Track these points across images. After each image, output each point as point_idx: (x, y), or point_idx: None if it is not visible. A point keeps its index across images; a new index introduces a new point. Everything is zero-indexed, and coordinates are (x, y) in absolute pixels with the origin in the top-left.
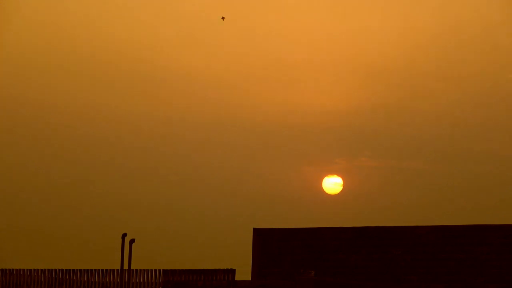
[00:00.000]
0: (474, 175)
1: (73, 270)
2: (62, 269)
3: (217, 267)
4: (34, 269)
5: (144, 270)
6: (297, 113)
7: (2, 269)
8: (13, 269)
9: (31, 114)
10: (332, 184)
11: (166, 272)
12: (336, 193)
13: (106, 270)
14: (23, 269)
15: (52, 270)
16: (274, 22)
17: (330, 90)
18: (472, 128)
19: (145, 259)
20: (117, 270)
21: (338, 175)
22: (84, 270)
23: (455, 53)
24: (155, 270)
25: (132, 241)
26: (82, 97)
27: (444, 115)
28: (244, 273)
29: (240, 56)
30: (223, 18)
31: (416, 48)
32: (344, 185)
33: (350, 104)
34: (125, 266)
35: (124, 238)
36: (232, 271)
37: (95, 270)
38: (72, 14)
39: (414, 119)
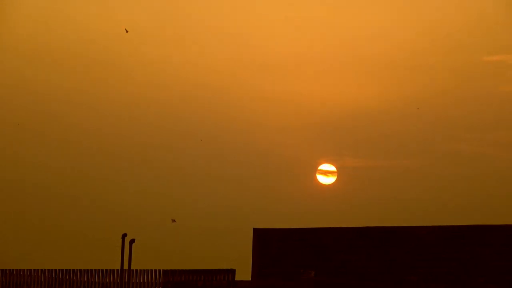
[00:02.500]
0: (474, 175)
1: (73, 270)
2: (62, 269)
3: (217, 267)
4: (34, 269)
5: (144, 270)
6: (294, 110)
7: (2, 269)
8: (13, 269)
9: (29, 113)
10: (326, 174)
11: (166, 272)
12: (330, 183)
13: (106, 270)
14: (23, 269)
15: (52, 270)
16: (261, 17)
17: (323, 86)
18: (472, 127)
19: (145, 259)
20: (117, 270)
21: (331, 171)
22: (84, 270)
23: (453, 51)
24: (155, 270)
25: (132, 241)
26: (82, 96)
27: (444, 112)
28: (244, 273)
29: (233, 53)
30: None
31: (408, 44)
32: (337, 176)
33: (345, 101)
34: (125, 266)
35: (124, 238)
36: (232, 271)
37: (95, 270)
38: (69, 12)
39: (411, 117)
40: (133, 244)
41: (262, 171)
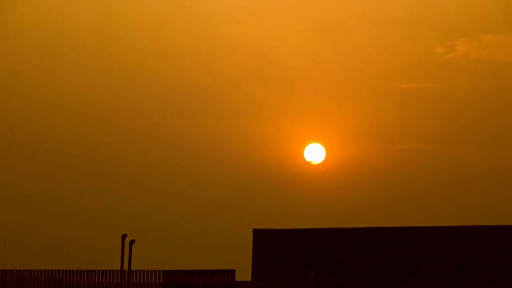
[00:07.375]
0: (475, 175)
1: (73, 270)
2: (62, 270)
3: (217, 268)
4: (34, 270)
5: (144, 271)
6: (291, 109)
7: (2, 270)
8: (13, 270)
9: (30, 113)
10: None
11: (166, 273)
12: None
13: (106, 271)
14: (23, 270)
15: (52, 270)
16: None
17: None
18: (472, 126)
19: (145, 260)
20: (117, 271)
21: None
22: (84, 271)
23: (454, 48)
24: (155, 271)
25: (132, 241)
26: (81, 95)
27: (449, 107)
28: (244, 274)
29: (231, 50)
30: None
31: (405, 39)
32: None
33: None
34: (125, 267)
35: (124, 238)
36: (232, 272)
37: (95, 271)
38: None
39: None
40: (133, 245)
41: (262, 171)
